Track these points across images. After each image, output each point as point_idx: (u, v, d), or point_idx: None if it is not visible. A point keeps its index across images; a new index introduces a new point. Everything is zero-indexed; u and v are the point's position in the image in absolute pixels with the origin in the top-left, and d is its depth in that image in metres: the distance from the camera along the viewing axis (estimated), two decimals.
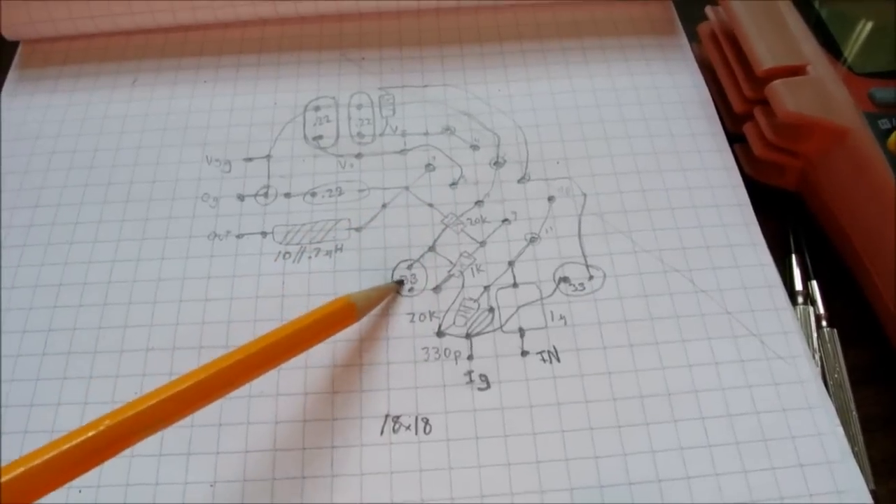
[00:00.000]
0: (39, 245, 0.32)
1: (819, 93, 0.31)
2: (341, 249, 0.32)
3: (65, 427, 0.28)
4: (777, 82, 0.32)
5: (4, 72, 0.39)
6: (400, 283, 0.31)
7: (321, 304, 0.28)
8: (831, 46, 0.33)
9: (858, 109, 0.31)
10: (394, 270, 0.31)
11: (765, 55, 0.33)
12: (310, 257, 0.32)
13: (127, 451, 0.22)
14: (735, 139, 0.35)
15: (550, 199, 0.33)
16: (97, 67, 0.38)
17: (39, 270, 0.32)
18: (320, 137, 0.35)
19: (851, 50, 0.33)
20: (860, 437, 0.28)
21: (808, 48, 0.33)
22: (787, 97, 0.31)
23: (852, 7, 0.35)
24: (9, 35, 0.39)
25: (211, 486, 0.27)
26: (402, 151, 0.35)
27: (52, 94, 0.37)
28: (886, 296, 0.30)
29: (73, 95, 0.37)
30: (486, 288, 0.31)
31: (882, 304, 0.30)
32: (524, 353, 0.29)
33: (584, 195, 0.33)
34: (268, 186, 0.34)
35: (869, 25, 0.34)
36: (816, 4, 0.35)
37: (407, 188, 0.34)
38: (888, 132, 0.30)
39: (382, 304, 0.31)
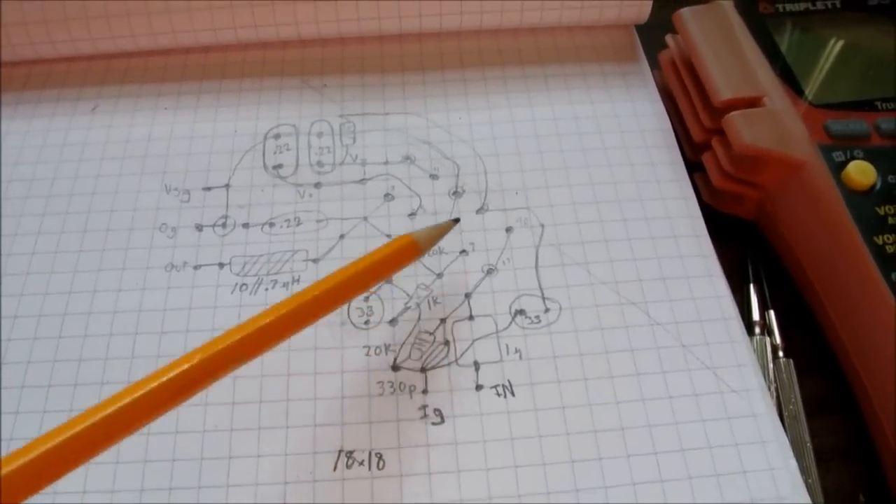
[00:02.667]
0: None
1: (775, 125, 0.31)
2: (298, 281, 0.32)
3: None
4: (734, 114, 0.32)
5: None
6: (457, 220, 0.32)
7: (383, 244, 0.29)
8: (788, 77, 0.33)
9: (813, 142, 0.31)
10: (350, 303, 0.31)
11: (722, 86, 0.33)
12: (266, 289, 0.32)
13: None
14: (695, 168, 0.36)
15: (508, 229, 0.33)
16: (57, 93, 0.38)
17: None
18: (280, 166, 0.35)
19: (808, 81, 0.33)
20: (814, 469, 0.29)
21: (765, 79, 0.33)
22: (744, 129, 0.31)
23: (810, 38, 0.35)
24: None
25: None
26: (362, 181, 0.35)
27: (11, 120, 0.37)
28: (840, 328, 0.30)
29: (33, 122, 0.37)
30: (443, 321, 0.31)
31: (836, 336, 0.30)
32: (479, 388, 0.29)
33: (542, 226, 0.33)
34: (226, 216, 0.34)
35: (827, 57, 0.34)
36: (774, 34, 0.35)
37: (365, 218, 0.34)
38: (843, 164, 0.30)
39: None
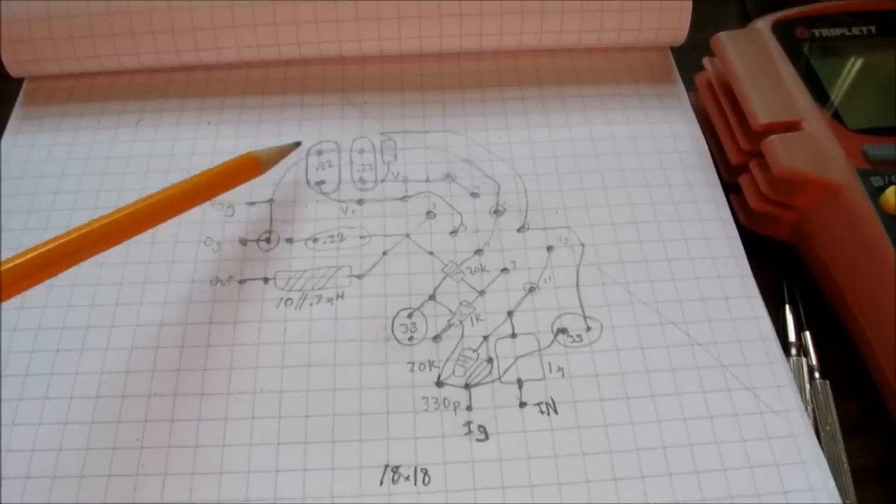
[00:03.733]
0: (42, 287, 0.32)
1: (813, 149, 0.32)
2: (342, 297, 0.32)
3: (65, 471, 0.28)
4: (774, 138, 0.32)
5: (9, 109, 0.39)
6: (297, 143, 0.36)
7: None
8: (826, 102, 0.34)
9: (851, 166, 0.31)
10: (394, 319, 0.32)
11: (761, 110, 0.33)
12: (311, 304, 0.32)
13: None
14: (731, 189, 0.36)
15: (549, 248, 0.34)
16: (101, 106, 0.39)
17: (42, 313, 0.32)
18: (322, 182, 0.36)
19: (845, 106, 0.34)
20: (851, 489, 0.29)
21: (803, 103, 0.33)
22: (783, 153, 0.32)
23: (846, 64, 0.36)
24: (14, 72, 0.39)
25: None
26: (404, 198, 0.35)
27: (57, 132, 0.38)
28: (878, 349, 0.30)
29: (77, 134, 0.38)
30: (486, 338, 0.31)
31: (873, 358, 0.31)
32: (522, 405, 0.30)
33: (583, 245, 0.34)
34: (270, 231, 0.34)
35: (863, 82, 0.35)
36: (811, 59, 0.35)
37: (408, 235, 0.34)
38: (881, 189, 0.31)
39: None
